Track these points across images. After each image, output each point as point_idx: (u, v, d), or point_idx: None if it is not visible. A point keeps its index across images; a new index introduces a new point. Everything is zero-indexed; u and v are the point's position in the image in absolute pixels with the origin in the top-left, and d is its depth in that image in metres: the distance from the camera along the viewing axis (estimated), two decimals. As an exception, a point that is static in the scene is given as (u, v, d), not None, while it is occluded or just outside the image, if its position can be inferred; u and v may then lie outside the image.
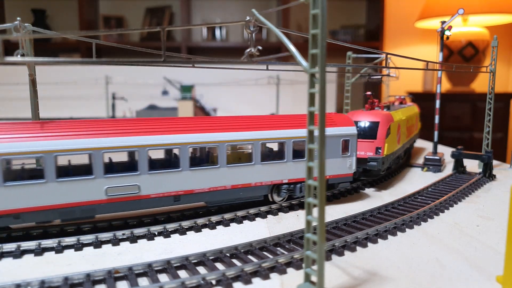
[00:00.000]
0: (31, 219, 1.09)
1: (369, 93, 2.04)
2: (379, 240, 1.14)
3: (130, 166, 1.22)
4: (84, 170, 1.15)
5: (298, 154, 1.42)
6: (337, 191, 1.60)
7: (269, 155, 1.47)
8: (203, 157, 1.42)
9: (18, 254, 1.03)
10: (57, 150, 1.07)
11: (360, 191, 1.68)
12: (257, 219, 1.33)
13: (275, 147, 1.53)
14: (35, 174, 1.12)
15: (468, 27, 4.18)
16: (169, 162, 1.35)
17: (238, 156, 1.46)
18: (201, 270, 0.95)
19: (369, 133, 1.71)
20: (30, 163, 1.19)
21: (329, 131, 1.44)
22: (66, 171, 1.19)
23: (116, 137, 1.15)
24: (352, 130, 1.52)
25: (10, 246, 1.04)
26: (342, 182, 1.54)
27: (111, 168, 1.21)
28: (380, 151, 1.67)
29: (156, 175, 1.20)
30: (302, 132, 1.41)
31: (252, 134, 1.34)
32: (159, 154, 1.35)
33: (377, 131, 1.71)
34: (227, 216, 1.30)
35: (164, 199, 1.23)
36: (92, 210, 1.14)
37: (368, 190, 1.71)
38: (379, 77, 2.15)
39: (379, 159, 1.66)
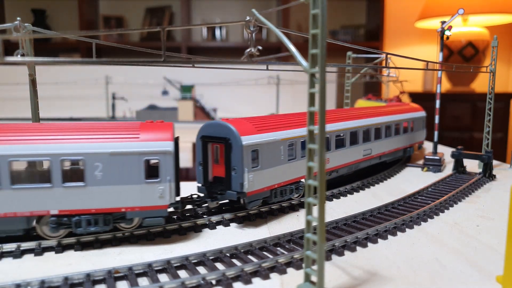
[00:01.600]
0: None
1: (403, 91, 2.69)
2: (379, 240, 1.14)
3: (367, 137, 1.82)
4: (350, 142, 1.71)
5: (411, 129, 2.22)
6: (337, 191, 1.63)
7: (404, 130, 2.13)
8: (390, 130, 2.00)
9: (18, 254, 1.03)
10: (333, 130, 1.60)
11: (360, 191, 1.69)
12: (257, 219, 1.33)
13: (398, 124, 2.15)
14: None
15: (468, 27, 4.18)
16: (377, 134, 1.90)
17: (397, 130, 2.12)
18: (201, 270, 0.95)
19: None
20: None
21: (417, 114, 2.30)
22: (339, 144, 1.64)
23: (354, 120, 1.75)
24: (424, 113, 2.40)
25: (10, 246, 1.04)
26: (421, 145, 2.44)
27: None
28: None
29: (377, 142, 1.87)
30: (412, 115, 2.25)
31: (396, 117, 2.06)
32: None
33: None
34: (227, 216, 1.30)
35: (376, 158, 1.90)
36: (354, 167, 1.76)
37: (368, 190, 1.71)
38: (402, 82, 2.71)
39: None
